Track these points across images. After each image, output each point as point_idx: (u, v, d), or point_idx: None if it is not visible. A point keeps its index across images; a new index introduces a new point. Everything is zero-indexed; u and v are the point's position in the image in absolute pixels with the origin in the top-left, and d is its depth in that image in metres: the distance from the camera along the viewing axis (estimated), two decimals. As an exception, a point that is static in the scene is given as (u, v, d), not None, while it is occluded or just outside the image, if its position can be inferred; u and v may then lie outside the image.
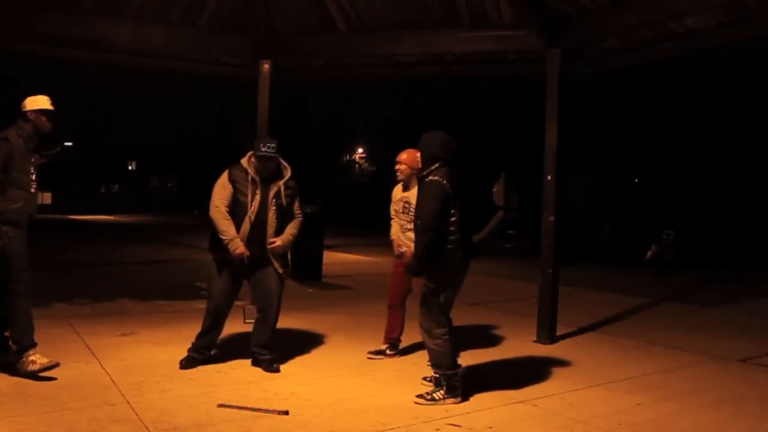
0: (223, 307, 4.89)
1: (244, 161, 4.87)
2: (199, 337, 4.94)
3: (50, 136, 4.67)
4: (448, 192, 4.20)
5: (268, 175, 4.80)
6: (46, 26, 6.30)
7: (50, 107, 4.59)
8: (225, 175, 4.84)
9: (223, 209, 4.73)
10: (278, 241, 4.78)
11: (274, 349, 4.97)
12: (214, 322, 4.90)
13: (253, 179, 4.77)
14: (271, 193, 4.79)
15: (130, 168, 53.21)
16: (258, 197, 4.75)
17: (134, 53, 7.26)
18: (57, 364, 4.41)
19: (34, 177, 4.56)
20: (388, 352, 5.36)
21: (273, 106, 7.17)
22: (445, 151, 4.35)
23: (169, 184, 52.23)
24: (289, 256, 5.01)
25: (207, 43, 7.26)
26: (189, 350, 4.92)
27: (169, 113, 44.97)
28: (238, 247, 4.65)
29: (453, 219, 4.21)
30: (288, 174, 4.89)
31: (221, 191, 4.78)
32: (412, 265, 4.91)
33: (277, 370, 4.85)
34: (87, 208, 34.77)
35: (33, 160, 4.57)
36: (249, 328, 5.07)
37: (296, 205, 4.95)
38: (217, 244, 4.79)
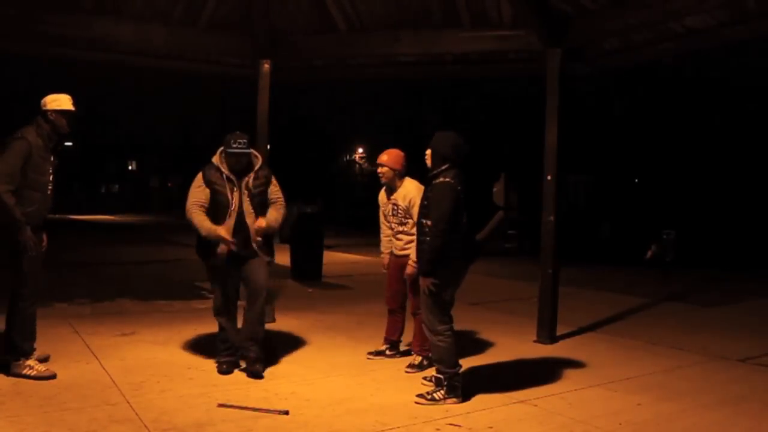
0: (230, 305, 4.88)
1: (216, 159, 4.79)
2: (219, 341, 4.90)
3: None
4: (459, 194, 4.23)
5: (240, 170, 4.75)
6: (46, 26, 6.29)
7: (72, 108, 4.52)
8: (199, 178, 4.75)
9: (197, 209, 4.64)
10: (261, 221, 4.69)
11: (261, 346, 4.84)
12: (226, 321, 4.86)
13: (228, 177, 4.71)
14: (243, 185, 4.74)
15: (130, 168, 53.17)
16: (237, 194, 4.71)
17: (134, 53, 7.25)
18: (54, 375, 4.39)
19: (51, 178, 4.50)
20: (387, 352, 5.36)
21: (273, 105, 7.16)
22: (456, 152, 4.37)
23: (169, 184, 52.14)
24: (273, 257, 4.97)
25: (207, 43, 7.25)
26: (218, 356, 4.87)
27: (169, 113, 44.95)
28: (220, 235, 4.55)
29: (463, 221, 4.26)
30: (258, 163, 4.84)
31: (198, 194, 4.70)
32: (414, 266, 4.90)
33: (260, 375, 4.71)
34: (87, 208, 34.76)
35: (51, 160, 4.51)
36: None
37: (273, 190, 4.87)
38: (203, 247, 4.75)
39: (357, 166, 43.69)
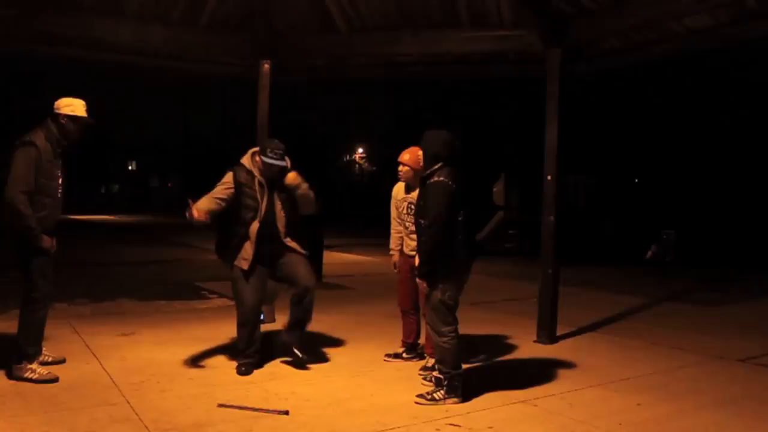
0: (256, 308, 4.87)
1: (246, 161, 4.83)
2: (241, 342, 4.87)
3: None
4: (453, 193, 4.21)
5: (272, 176, 4.82)
6: (46, 26, 6.28)
7: (86, 115, 4.52)
8: (229, 178, 4.78)
9: (208, 197, 4.67)
10: (293, 176, 4.76)
11: (301, 336, 5.01)
12: (249, 322, 4.84)
13: (260, 182, 4.77)
14: (276, 190, 4.82)
15: (130, 168, 53.19)
16: (266, 199, 4.77)
17: (134, 53, 7.25)
18: (56, 379, 4.38)
19: (60, 181, 4.48)
20: (404, 355, 5.31)
21: (273, 105, 7.16)
22: (448, 150, 4.35)
23: (169, 184, 52.17)
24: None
25: (207, 43, 7.25)
26: (239, 358, 4.88)
27: (169, 113, 45.00)
28: (192, 211, 4.50)
29: (460, 219, 4.23)
30: (288, 167, 4.90)
31: (219, 190, 4.73)
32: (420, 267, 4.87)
33: (305, 364, 4.92)
34: (87, 208, 34.78)
35: (60, 164, 4.48)
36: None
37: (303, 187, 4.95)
38: (234, 252, 4.78)
39: (357, 166, 43.66)
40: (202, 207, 4.56)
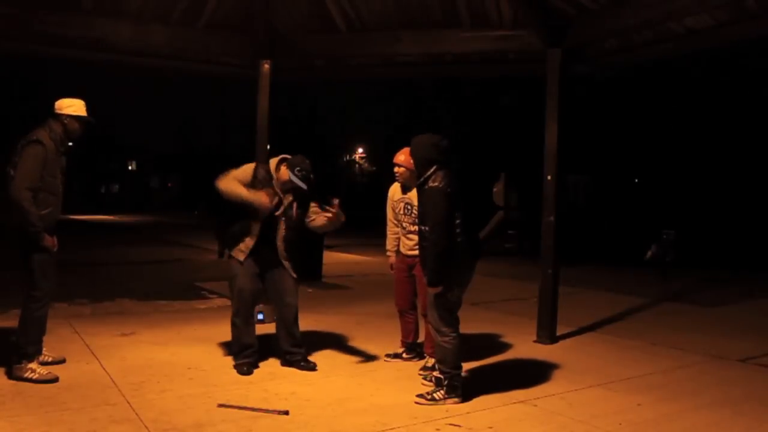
0: (250, 304, 4.89)
1: (272, 164, 4.88)
2: (236, 341, 4.90)
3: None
4: (450, 197, 4.20)
5: (287, 190, 4.87)
6: (46, 26, 6.29)
7: (86, 114, 4.57)
8: (250, 171, 4.81)
9: (235, 181, 4.68)
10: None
11: (302, 345, 5.04)
12: (244, 321, 4.86)
13: (274, 187, 4.82)
14: (286, 202, 4.86)
15: (130, 168, 53.21)
16: (275, 201, 4.80)
17: (134, 53, 7.24)
18: (56, 379, 4.38)
19: (60, 181, 4.52)
20: (404, 355, 5.31)
21: (273, 105, 7.16)
22: (438, 152, 4.34)
23: (169, 184, 52.20)
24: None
25: (207, 43, 7.25)
26: (236, 358, 4.89)
27: (169, 113, 45.02)
28: (261, 197, 4.64)
29: (458, 221, 4.22)
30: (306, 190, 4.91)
31: (242, 175, 4.75)
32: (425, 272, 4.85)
33: (314, 368, 4.92)
34: (87, 208, 34.81)
35: (61, 162, 4.51)
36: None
37: (313, 212, 4.99)
38: (234, 241, 4.81)
39: (357, 166, 43.70)
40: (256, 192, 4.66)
